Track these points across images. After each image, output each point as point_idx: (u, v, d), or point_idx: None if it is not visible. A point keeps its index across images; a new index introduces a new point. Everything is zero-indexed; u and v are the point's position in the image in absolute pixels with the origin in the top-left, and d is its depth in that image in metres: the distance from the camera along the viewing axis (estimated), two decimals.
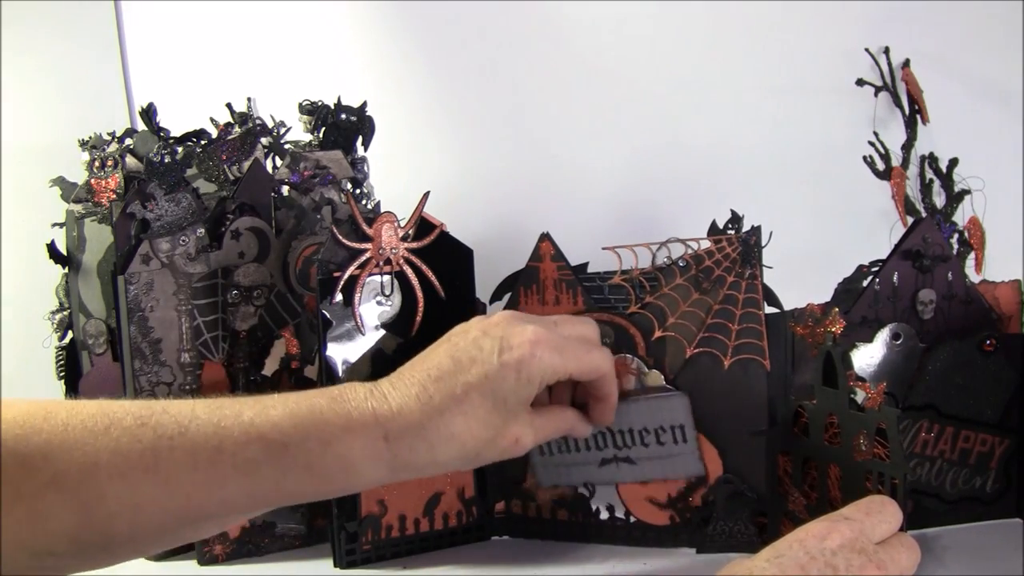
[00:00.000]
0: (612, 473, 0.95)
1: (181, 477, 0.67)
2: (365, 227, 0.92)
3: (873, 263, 0.96)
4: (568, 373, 0.78)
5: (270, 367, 1.01)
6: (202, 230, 0.98)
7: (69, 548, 0.65)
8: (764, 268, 0.91)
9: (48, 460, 0.64)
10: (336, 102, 1.09)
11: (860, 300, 0.94)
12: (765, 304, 0.92)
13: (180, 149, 1.02)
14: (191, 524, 0.70)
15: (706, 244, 0.92)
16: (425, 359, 0.78)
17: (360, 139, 1.10)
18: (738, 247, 0.91)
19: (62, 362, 1.06)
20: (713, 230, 0.92)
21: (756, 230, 0.91)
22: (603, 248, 0.92)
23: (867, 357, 0.95)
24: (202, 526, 0.72)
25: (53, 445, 0.65)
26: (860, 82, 1.13)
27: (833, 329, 0.86)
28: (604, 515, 0.96)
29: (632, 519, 0.96)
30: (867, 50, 1.14)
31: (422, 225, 0.94)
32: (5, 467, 0.63)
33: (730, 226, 0.92)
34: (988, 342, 0.95)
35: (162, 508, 0.67)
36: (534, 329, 0.77)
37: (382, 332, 0.94)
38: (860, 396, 0.93)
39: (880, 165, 1.06)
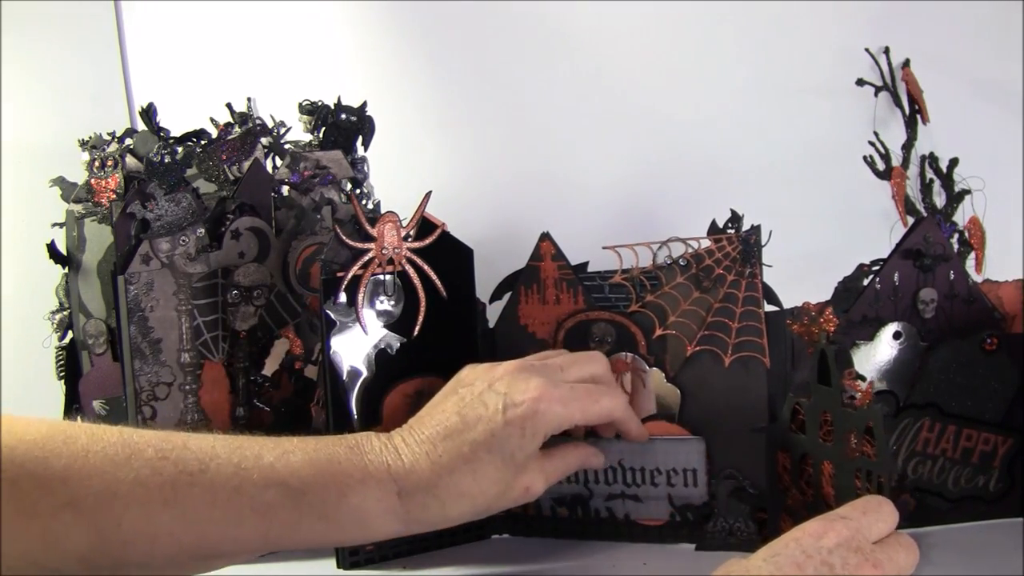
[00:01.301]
0: (619, 509, 0.96)
1: (199, 513, 0.68)
2: (368, 227, 0.92)
3: (874, 262, 0.96)
4: (575, 423, 0.79)
5: (270, 367, 1.01)
6: (202, 230, 0.98)
7: (78, 569, 0.65)
8: (764, 267, 0.92)
9: (67, 484, 0.65)
10: (336, 102, 1.09)
11: (861, 299, 0.94)
12: (765, 302, 0.92)
13: (180, 149, 1.02)
14: (202, 559, 0.70)
15: (706, 243, 0.92)
16: (434, 411, 0.80)
17: (360, 139, 1.10)
18: (738, 246, 0.91)
19: (62, 362, 1.05)
20: (713, 229, 0.92)
21: (756, 229, 0.91)
22: (604, 247, 0.92)
23: (868, 355, 0.95)
24: (212, 563, 0.72)
25: (73, 470, 0.65)
26: (860, 82, 1.13)
27: (827, 327, 0.86)
28: (604, 513, 0.96)
29: (632, 516, 0.96)
30: (867, 50, 1.14)
31: (423, 225, 0.94)
32: (24, 486, 0.63)
33: (730, 225, 0.92)
34: (989, 341, 0.95)
35: (177, 541, 0.67)
36: (538, 383, 0.78)
37: (385, 332, 0.94)
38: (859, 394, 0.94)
39: (880, 165, 1.06)
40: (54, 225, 1.06)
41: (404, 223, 0.93)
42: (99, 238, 1.04)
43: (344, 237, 0.90)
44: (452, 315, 0.96)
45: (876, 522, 0.69)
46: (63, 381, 1.05)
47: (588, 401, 0.80)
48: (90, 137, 1.05)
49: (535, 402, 0.77)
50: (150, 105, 1.06)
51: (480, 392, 0.79)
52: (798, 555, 0.63)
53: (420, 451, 0.76)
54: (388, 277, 0.93)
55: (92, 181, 1.04)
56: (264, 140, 1.07)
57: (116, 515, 0.65)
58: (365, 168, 1.10)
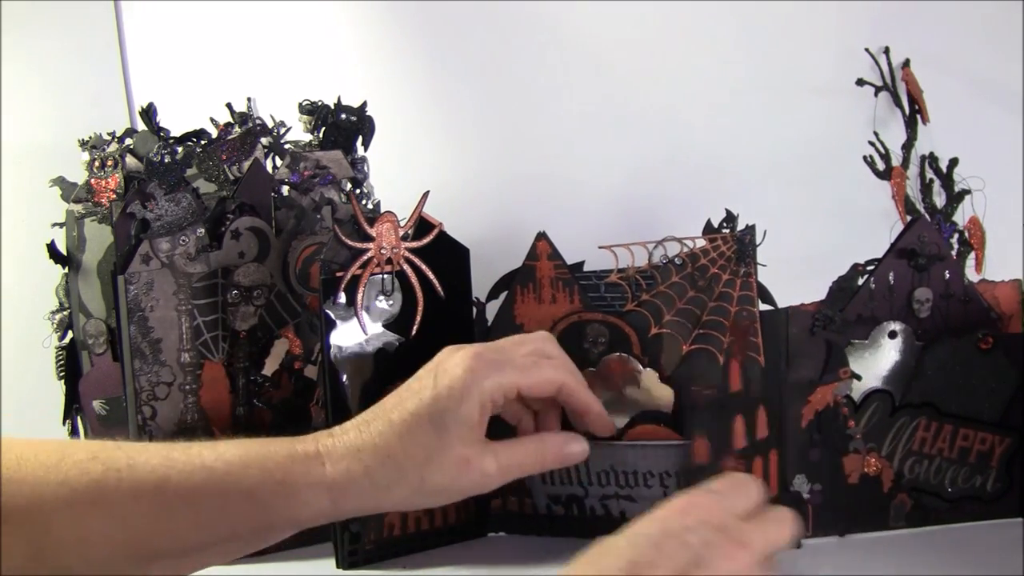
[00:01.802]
0: (614, 507, 0.96)
1: (126, 507, 0.67)
2: (367, 227, 0.92)
3: (868, 262, 0.96)
4: (514, 386, 0.77)
5: (270, 367, 1.01)
6: (202, 230, 0.98)
7: None
8: (759, 266, 0.92)
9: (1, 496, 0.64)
10: (336, 102, 1.09)
11: (856, 298, 0.95)
12: (760, 302, 0.92)
13: (180, 149, 1.03)
14: (142, 560, 0.69)
15: (702, 243, 0.92)
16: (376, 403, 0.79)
17: (360, 139, 1.10)
18: (733, 245, 0.91)
19: (62, 362, 1.06)
20: (708, 229, 0.93)
21: (751, 229, 0.92)
22: (599, 247, 0.92)
23: (864, 355, 0.95)
24: (154, 564, 0.70)
25: (5, 479, 0.65)
26: (860, 82, 1.13)
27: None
28: (599, 511, 0.97)
29: (627, 514, 0.96)
30: (867, 50, 1.14)
31: (421, 224, 0.95)
32: None
33: (725, 225, 0.92)
34: (984, 340, 0.95)
35: (109, 541, 0.66)
36: (469, 352, 0.77)
37: (383, 331, 0.94)
38: (856, 392, 0.94)
39: (880, 165, 1.06)
40: (54, 225, 1.06)
41: (403, 223, 0.94)
42: (99, 238, 1.05)
43: (343, 237, 0.91)
44: (450, 314, 0.96)
45: (741, 496, 0.65)
46: (63, 381, 1.06)
47: (527, 364, 0.78)
48: (90, 137, 1.06)
49: (467, 370, 0.75)
50: (150, 105, 1.07)
51: (417, 375, 0.78)
52: (657, 535, 0.60)
53: (351, 426, 0.75)
54: (386, 277, 0.94)
55: (92, 181, 1.04)
56: (264, 140, 1.07)
57: (45, 521, 0.65)
58: (365, 168, 1.10)
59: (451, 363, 0.76)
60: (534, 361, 0.79)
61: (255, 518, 0.71)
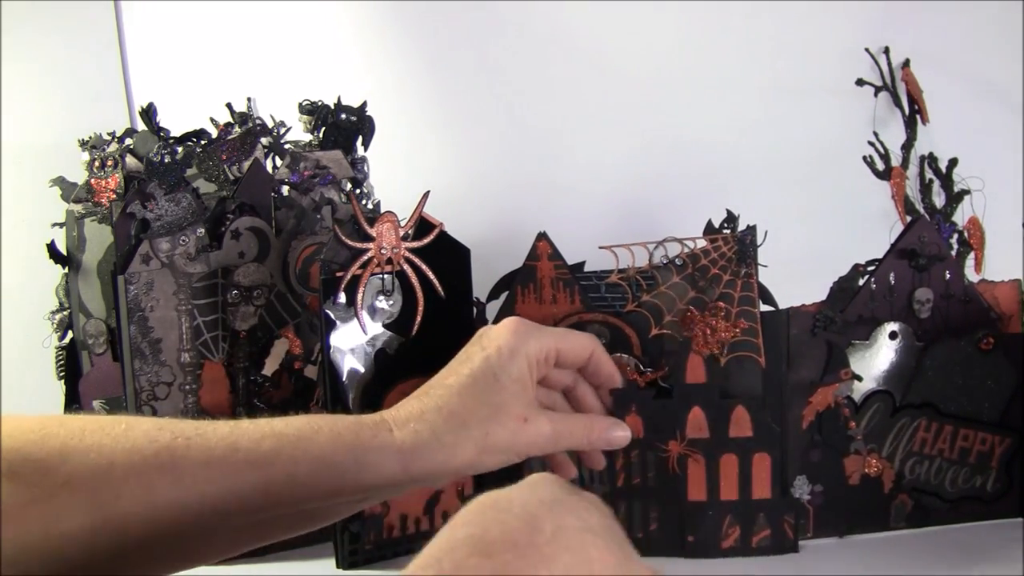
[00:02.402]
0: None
1: (196, 474, 0.66)
2: (367, 227, 0.92)
3: (869, 262, 0.96)
4: (554, 349, 0.79)
5: (270, 367, 1.01)
6: (202, 230, 0.98)
7: (81, 553, 0.64)
8: (760, 267, 0.92)
9: (64, 462, 0.63)
10: (336, 102, 1.09)
11: (856, 298, 0.95)
12: (761, 302, 0.92)
13: (180, 149, 1.03)
14: (208, 531, 0.69)
15: (702, 243, 0.92)
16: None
17: (360, 139, 1.10)
18: (734, 246, 0.91)
19: (62, 362, 1.06)
20: (709, 229, 0.93)
21: (751, 229, 0.92)
22: (600, 247, 0.92)
23: (864, 355, 0.95)
24: (219, 535, 0.71)
25: (69, 447, 0.64)
26: (860, 82, 1.13)
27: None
28: None
29: None
30: (867, 50, 1.14)
31: (421, 224, 0.94)
32: (20, 470, 0.62)
33: (726, 225, 0.92)
34: (985, 341, 0.95)
35: (178, 508, 0.66)
36: (511, 319, 0.79)
37: (383, 331, 0.94)
38: (857, 393, 0.94)
39: (880, 165, 1.06)
40: (54, 225, 1.06)
41: (403, 223, 0.94)
42: (99, 238, 1.05)
43: (343, 237, 0.91)
44: (450, 314, 0.96)
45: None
46: (63, 381, 1.06)
47: (566, 334, 0.81)
48: (90, 137, 1.05)
49: (512, 332, 0.78)
50: (150, 105, 1.07)
51: (464, 349, 0.80)
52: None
53: (410, 398, 0.77)
54: (387, 277, 0.93)
55: (92, 181, 1.04)
56: (264, 140, 1.07)
57: (115, 487, 0.64)
58: (365, 168, 1.10)
59: (495, 331, 0.79)
60: (567, 330, 0.82)
61: (325, 484, 0.71)
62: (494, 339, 0.78)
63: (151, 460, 0.66)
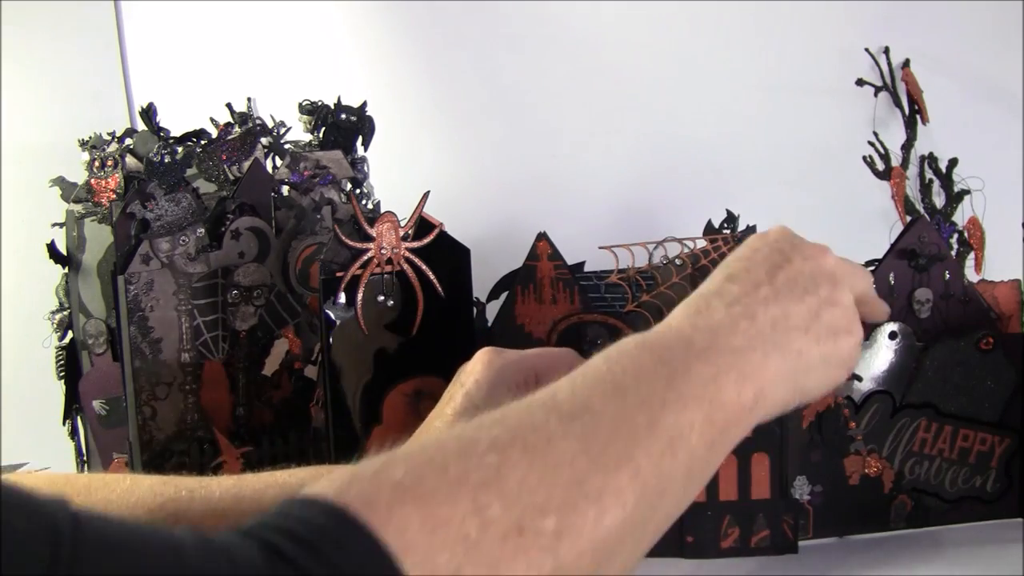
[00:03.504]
0: None
1: (200, 525, 0.65)
2: (367, 227, 0.92)
3: (869, 262, 0.96)
4: (531, 365, 0.76)
5: (270, 367, 1.01)
6: (202, 230, 0.98)
7: None
8: None
9: None
10: (336, 102, 1.09)
11: None
12: None
13: (180, 149, 1.03)
14: None
15: (702, 243, 0.92)
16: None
17: (360, 139, 1.10)
18: (734, 246, 0.91)
19: (62, 362, 1.06)
20: (709, 229, 0.93)
21: (751, 230, 0.92)
22: (600, 247, 0.92)
23: (864, 356, 0.95)
24: None
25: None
26: (860, 82, 1.13)
27: None
28: None
29: None
30: (867, 50, 1.14)
31: (421, 225, 0.94)
32: None
33: (726, 225, 0.92)
34: (985, 341, 0.95)
35: None
36: (483, 350, 0.77)
37: (384, 331, 0.94)
38: (857, 393, 0.94)
39: (880, 165, 1.06)
40: (54, 225, 1.06)
41: (403, 223, 0.94)
42: (99, 238, 1.05)
43: (343, 237, 0.91)
44: (450, 314, 0.96)
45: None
46: (63, 381, 1.05)
47: (544, 353, 0.79)
48: (90, 137, 1.05)
49: (485, 364, 0.75)
50: (150, 105, 1.07)
51: (447, 390, 0.78)
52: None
53: (406, 445, 0.76)
54: (387, 276, 0.93)
55: (92, 181, 1.04)
56: (264, 140, 1.07)
57: None
58: (365, 168, 1.10)
59: (470, 367, 0.78)
60: (543, 348, 0.81)
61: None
62: (470, 374, 0.77)
63: (156, 513, 0.67)
